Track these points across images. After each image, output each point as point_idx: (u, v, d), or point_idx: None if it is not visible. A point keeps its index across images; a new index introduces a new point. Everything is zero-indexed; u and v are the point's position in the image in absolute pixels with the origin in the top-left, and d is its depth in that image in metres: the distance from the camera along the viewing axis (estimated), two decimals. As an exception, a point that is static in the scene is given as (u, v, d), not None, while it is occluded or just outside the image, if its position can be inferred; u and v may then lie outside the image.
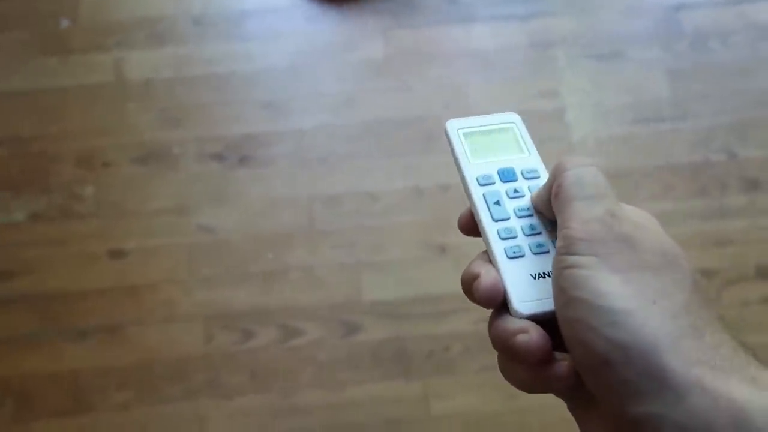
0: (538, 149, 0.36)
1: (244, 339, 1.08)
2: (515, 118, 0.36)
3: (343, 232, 1.14)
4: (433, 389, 1.06)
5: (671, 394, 0.23)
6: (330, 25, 1.27)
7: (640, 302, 0.25)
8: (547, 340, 0.27)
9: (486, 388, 1.05)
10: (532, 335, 0.27)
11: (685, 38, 1.27)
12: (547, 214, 0.32)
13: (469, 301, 0.31)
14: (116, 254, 1.12)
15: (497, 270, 0.30)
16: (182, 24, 1.26)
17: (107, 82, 1.22)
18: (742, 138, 1.20)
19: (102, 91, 1.22)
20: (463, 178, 0.33)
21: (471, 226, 0.34)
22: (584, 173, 0.29)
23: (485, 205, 0.32)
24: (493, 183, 0.33)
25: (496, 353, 0.30)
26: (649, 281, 0.26)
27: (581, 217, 0.28)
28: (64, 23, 1.25)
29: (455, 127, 0.35)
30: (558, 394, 0.28)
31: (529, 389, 0.28)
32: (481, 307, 0.31)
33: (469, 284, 0.31)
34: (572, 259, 0.26)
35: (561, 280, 0.27)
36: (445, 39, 1.26)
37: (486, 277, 0.30)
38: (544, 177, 0.34)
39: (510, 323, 0.28)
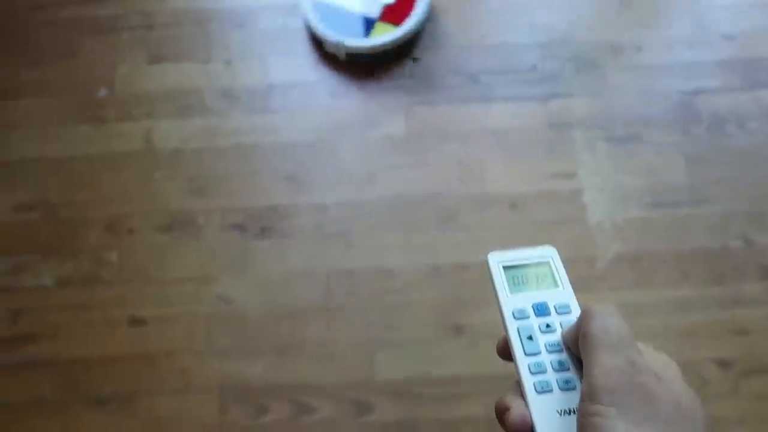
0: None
1: (257, 414, 1.08)
2: (552, 252, 0.38)
3: (359, 308, 1.15)
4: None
5: None
6: (353, 102, 1.31)
7: None
8: None
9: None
10: None
11: (703, 122, 1.29)
12: (575, 351, 0.34)
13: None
14: (136, 321, 1.15)
15: (526, 403, 0.33)
16: (211, 96, 1.31)
17: (137, 151, 1.26)
18: (760, 225, 1.21)
19: (132, 159, 1.26)
20: (500, 309, 0.36)
21: (507, 353, 0.36)
22: (610, 323, 0.32)
23: (519, 338, 0.35)
24: (528, 317, 0.35)
25: None
26: None
27: (604, 367, 0.30)
28: (102, 92, 1.31)
29: (496, 260, 0.37)
30: None
31: None
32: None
33: (501, 414, 0.33)
34: (594, 408, 0.29)
35: (584, 426, 0.29)
36: (465, 117, 1.29)
37: (516, 411, 0.32)
38: (575, 312, 0.37)
39: None
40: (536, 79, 1.32)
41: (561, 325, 0.35)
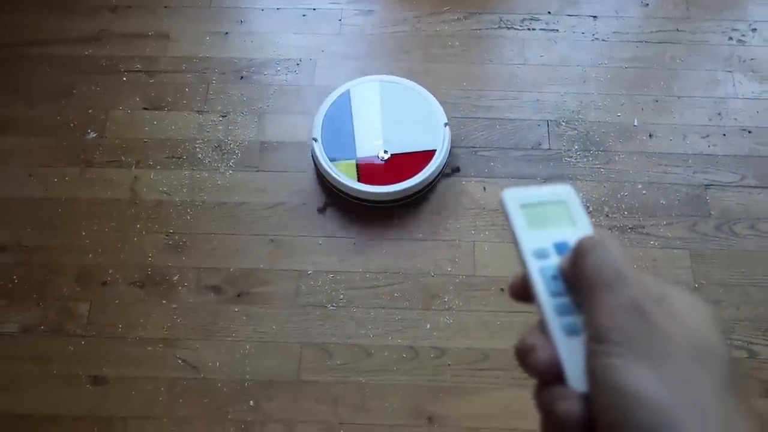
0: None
1: (209, 493, 1.02)
2: (569, 190, 0.36)
3: (329, 385, 1.09)
4: None
5: None
6: (347, 166, 1.26)
7: (669, 392, 0.26)
8: (585, 411, 0.28)
9: None
10: (574, 404, 0.28)
11: (712, 219, 1.22)
12: (574, 286, 0.32)
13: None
14: (97, 380, 1.10)
15: (554, 344, 0.31)
16: (203, 148, 1.27)
17: (121, 199, 1.23)
18: (765, 335, 1.13)
19: (114, 206, 1.22)
20: (519, 248, 0.33)
21: (522, 294, 0.33)
22: (603, 260, 0.30)
23: (542, 279, 0.32)
24: (549, 256, 0.33)
25: None
26: (679, 370, 0.27)
27: (606, 307, 0.29)
28: (91, 135, 1.28)
29: (512, 196, 0.35)
30: None
31: None
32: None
33: (524, 355, 0.31)
34: (603, 347, 0.28)
35: (595, 368, 0.28)
36: (460, 193, 1.24)
37: (543, 351, 0.30)
38: None
39: (556, 391, 0.29)
40: (540, 157, 1.27)
41: None
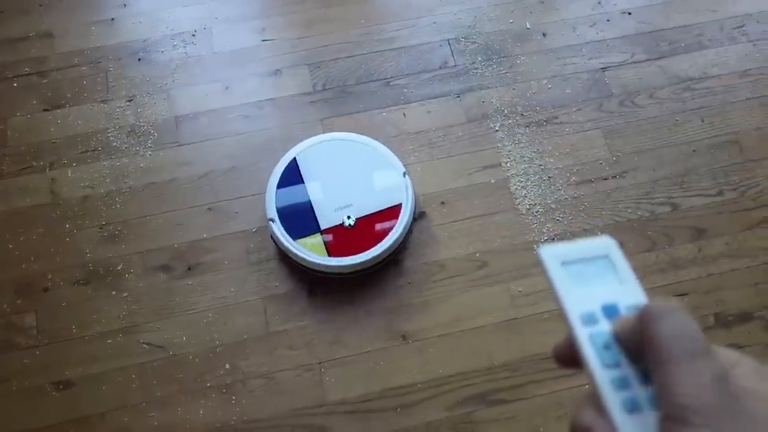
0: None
1: (206, 461, 1.02)
2: (611, 243, 0.33)
3: (299, 330, 1.10)
4: (410, 488, 1.01)
5: None
6: (268, 122, 1.27)
7: None
8: None
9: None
10: None
11: (615, 97, 1.31)
12: (632, 354, 0.29)
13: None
14: (62, 385, 1.06)
15: (613, 423, 0.27)
16: (116, 136, 1.24)
17: (42, 204, 1.18)
18: (681, 187, 1.23)
19: (37, 212, 1.18)
20: (563, 310, 0.30)
21: (570, 360, 0.30)
22: (681, 326, 0.27)
23: (593, 348, 0.29)
24: (598, 322, 0.30)
25: None
26: None
27: (688, 382, 0.26)
28: (-7, 148, 1.22)
29: (551, 254, 0.32)
30: None
31: None
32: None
33: None
34: (681, 428, 0.25)
35: None
36: (383, 122, 1.27)
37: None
38: None
39: None
40: (449, 75, 1.32)
41: None
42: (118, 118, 1.26)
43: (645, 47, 1.36)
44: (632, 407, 0.27)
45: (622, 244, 0.33)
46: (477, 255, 1.16)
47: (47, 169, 1.21)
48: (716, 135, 1.28)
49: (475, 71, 1.32)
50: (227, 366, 1.08)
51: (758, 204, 1.22)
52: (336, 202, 1.11)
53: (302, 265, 1.10)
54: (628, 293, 0.31)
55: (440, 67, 1.33)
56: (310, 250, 1.08)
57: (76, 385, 1.06)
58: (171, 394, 1.06)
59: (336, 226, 1.09)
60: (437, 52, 1.34)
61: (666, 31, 1.38)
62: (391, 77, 1.32)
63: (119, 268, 1.14)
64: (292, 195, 1.12)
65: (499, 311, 1.12)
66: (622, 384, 0.28)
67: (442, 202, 1.20)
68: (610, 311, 0.30)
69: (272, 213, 1.10)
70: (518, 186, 1.22)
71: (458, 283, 1.14)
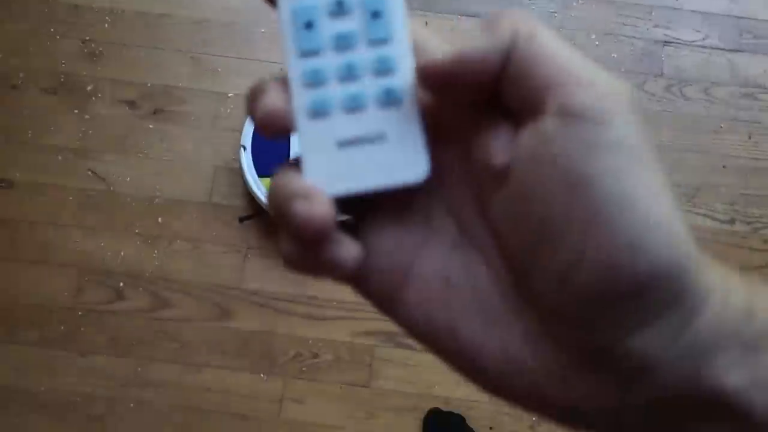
0: None
1: (113, 299, 1.04)
2: None
3: (238, 211, 1.08)
4: (290, 392, 1.02)
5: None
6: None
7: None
8: (332, 215, 0.19)
9: (344, 403, 1.01)
10: (315, 204, 0.19)
11: (663, 79, 1.14)
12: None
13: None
14: (5, 183, 1.08)
15: (296, 124, 0.20)
16: (125, -49, 1.17)
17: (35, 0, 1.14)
18: (692, 202, 1.10)
19: (28, 9, 1.14)
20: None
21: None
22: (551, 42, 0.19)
23: (292, 24, 0.21)
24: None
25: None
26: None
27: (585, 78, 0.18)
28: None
29: None
30: (342, 281, 0.21)
31: (299, 268, 0.21)
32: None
33: (253, 97, 0.21)
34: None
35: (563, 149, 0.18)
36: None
37: (272, 98, 0.20)
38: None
39: (295, 183, 0.20)
40: (492, -5, 1.17)
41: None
42: (132, -68, 1.17)
43: (724, 33, 1.16)
44: (319, 109, 0.20)
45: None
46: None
47: (48, -35, 1.16)
48: (758, 158, 1.12)
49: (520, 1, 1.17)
50: (159, 220, 1.07)
51: (767, 248, 1.09)
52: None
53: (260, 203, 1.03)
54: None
55: (486, -17, 1.17)
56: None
57: (16, 187, 1.08)
58: (99, 227, 1.07)
59: None
60: (490, -35, 1.18)
61: (758, 22, 1.17)
62: None
63: (89, 88, 1.11)
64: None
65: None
66: (313, 78, 0.20)
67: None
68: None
69: (246, 140, 1.01)
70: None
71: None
